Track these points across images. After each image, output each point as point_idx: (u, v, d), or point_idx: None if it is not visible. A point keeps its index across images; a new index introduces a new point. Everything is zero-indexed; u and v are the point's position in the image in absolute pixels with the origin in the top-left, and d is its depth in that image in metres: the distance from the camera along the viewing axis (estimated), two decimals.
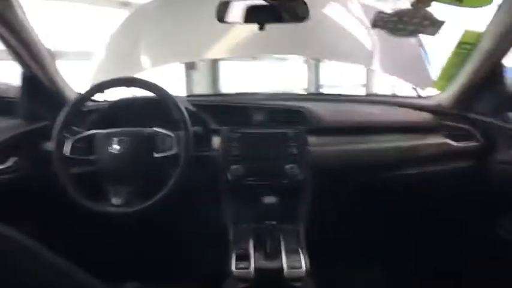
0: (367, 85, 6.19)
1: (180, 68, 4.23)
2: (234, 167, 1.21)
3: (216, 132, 1.29)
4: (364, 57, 1.97)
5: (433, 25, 1.24)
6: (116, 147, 1.10)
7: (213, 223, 1.25)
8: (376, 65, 1.95)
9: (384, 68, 1.94)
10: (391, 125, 1.40)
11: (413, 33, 1.31)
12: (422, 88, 1.79)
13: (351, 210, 1.47)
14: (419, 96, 1.73)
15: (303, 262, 1.06)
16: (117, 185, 1.12)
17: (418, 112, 1.46)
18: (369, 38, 1.91)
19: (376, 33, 1.89)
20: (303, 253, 1.09)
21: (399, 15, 1.24)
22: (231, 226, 1.21)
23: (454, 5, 1.15)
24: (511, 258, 1.28)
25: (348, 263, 1.53)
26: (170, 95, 1.14)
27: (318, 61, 5.51)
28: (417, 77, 1.87)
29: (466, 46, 1.34)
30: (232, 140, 1.26)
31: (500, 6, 1.18)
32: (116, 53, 1.76)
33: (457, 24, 1.36)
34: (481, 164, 1.37)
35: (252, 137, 1.27)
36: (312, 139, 1.29)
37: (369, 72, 6.03)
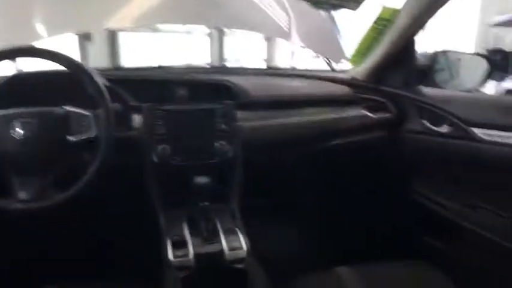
0: (267, 59, 6.34)
1: (73, 40, 3.78)
2: (160, 147, 1.11)
3: (136, 109, 1.16)
4: (276, 29, 1.97)
5: (355, 0, 1.29)
6: (20, 131, 0.92)
7: (142, 210, 1.15)
8: (290, 38, 1.97)
9: (298, 41, 1.97)
10: (313, 98, 1.43)
11: (336, 7, 1.34)
12: (337, 62, 1.86)
13: (280, 184, 1.48)
14: (334, 70, 1.80)
15: (243, 242, 1.02)
16: (24, 176, 0.94)
17: (337, 85, 1.51)
18: (281, 10, 1.91)
19: (289, 5, 1.91)
20: (241, 233, 1.06)
21: None
22: (162, 211, 1.11)
23: None
24: (421, 218, 1.43)
25: (282, 238, 1.56)
26: (83, 66, 0.98)
27: (221, 34, 5.46)
28: (331, 50, 1.94)
29: (382, 22, 1.41)
30: (155, 118, 1.14)
31: None
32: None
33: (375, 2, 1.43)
34: (395, 134, 1.48)
35: (178, 114, 1.17)
36: (240, 114, 1.24)
37: (270, 47, 6.18)
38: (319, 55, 1.95)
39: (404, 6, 1.32)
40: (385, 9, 1.38)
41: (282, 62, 5.82)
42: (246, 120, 1.25)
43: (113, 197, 1.32)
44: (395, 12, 1.37)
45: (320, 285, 1.03)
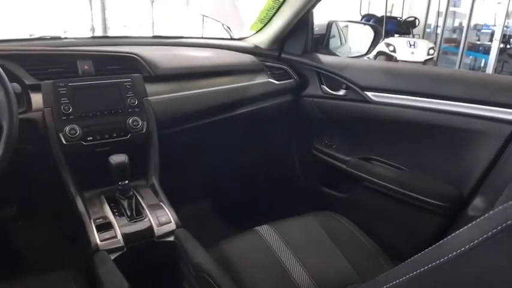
0: (153, 26, 6.10)
1: None
2: (67, 127, 1.02)
3: (34, 88, 1.05)
4: None
5: None
6: None
7: (57, 197, 1.07)
8: (189, 4, 1.95)
9: (200, 9, 1.95)
10: (222, 68, 1.45)
11: None
12: (238, 29, 1.90)
13: (196, 153, 1.50)
14: (236, 39, 1.84)
15: (170, 215, 1.02)
16: None
17: (243, 54, 1.56)
18: None
19: None
20: (166, 207, 1.05)
21: None
22: (79, 196, 1.04)
23: None
24: (325, 173, 1.60)
25: (205, 206, 1.60)
26: None
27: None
28: (231, 18, 1.96)
29: None
30: (59, 96, 1.05)
31: None
32: None
33: None
34: (298, 98, 1.60)
35: (84, 91, 1.09)
36: (150, 87, 1.20)
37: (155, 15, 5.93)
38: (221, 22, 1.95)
39: None
40: None
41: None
42: (157, 93, 1.22)
43: (23, 186, 1.21)
44: None
45: (246, 244, 1.11)
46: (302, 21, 1.53)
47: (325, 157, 1.57)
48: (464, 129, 1.22)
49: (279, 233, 1.12)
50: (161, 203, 1.07)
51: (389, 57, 7.45)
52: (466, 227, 0.42)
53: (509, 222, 0.37)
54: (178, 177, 1.38)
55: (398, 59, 7.51)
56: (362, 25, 1.80)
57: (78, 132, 1.03)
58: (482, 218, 0.40)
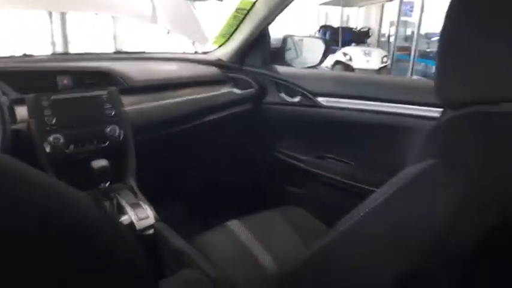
0: (115, 40, 6.13)
1: None
2: (51, 137, 1.11)
3: (19, 102, 1.13)
4: (137, 12, 2.04)
5: None
6: None
7: None
8: (153, 20, 2.07)
9: (162, 24, 2.08)
10: (189, 80, 1.58)
11: None
12: (202, 44, 2.05)
13: (167, 159, 1.62)
14: (200, 53, 1.98)
15: (149, 211, 1.11)
16: None
17: (207, 67, 1.71)
18: None
19: None
20: (144, 205, 1.14)
21: None
22: None
23: None
24: (286, 172, 1.77)
25: (177, 205, 1.70)
26: None
27: (64, 15, 5.04)
28: (194, 33, 2.11)
29: (242, 11, 1.65)
30: (42, 108, 1.14)
31: None
32: None
33: None
34: (258, 106, 1.76)
35: (66, 103, 1.19)
36: (125, 99, 1.31)
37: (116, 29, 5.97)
38: (186, 37, 2.09)
39: (259, 1, 1.58)
40: (244, 1, 1.62)
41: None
42: (132, 104, 1.34)
43: None
44: (252, 3, 1.62)
45: (218, 237, 1.22)
46: (260, 36, 1.70)
47: (286, 158, 1.74)
48: (402, 126, 1.43)
49: (247, 227, 1.24)
50: (140, 202, 1.16)
51: (346, 66, 7.80)
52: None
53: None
54: (153, 179, 1.49)
55: (354, 67, 7.89)
56: (314, 39, 1.98)
57: (61, 141, 1.12)
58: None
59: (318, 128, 1.66)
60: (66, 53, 1.85)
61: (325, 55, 1.83)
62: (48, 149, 1.11)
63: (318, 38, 1.94)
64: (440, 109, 1.18)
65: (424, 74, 9.42)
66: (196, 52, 2.03)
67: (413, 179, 0.61)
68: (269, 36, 1.75)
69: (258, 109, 1.78)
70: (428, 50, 9.41)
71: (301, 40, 1.91)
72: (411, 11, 9.96)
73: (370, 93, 1.50)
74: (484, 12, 0.61)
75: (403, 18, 10.12)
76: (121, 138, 1.24)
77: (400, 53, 10.03)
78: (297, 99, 1.67)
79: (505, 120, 0.60)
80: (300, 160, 1.68)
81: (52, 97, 1.16)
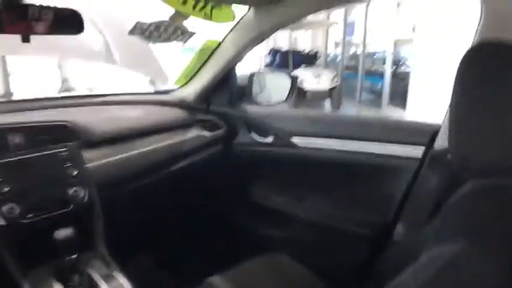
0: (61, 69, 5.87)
1: None
2: (5, 207, 0.96)
3: None
4: (91, 53, 1.93)
5: (185, 34, 1.41)
6: None
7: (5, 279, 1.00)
8: (108, 60, 1.95)
9: (122, 64, 1.97)
10: (155, 126, 1.47)
11: (167, 40, 1.43)
12: (163, 82, 1.95)
13: (141, 211, 1.49)
14: (161, 92, 1.88)
15: (125, 284, 1.01)
16: None
17: (173, 109, 1.60)
18: (97, 33, 1.89)
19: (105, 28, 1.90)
20: (119, 277, 1.03)
21: (157, 25, 1.33)
22: (24, 276, 0.98)
23: (206, 19, 1.35)
24: (263, 216, 1.68)
25: (155, 263, 1.57)
26: None
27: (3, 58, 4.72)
28: (153, 71, 2.01)
29: (206, 51, 1.58)
30: None
31: (236, 24, 1.47)
32: None
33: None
34: (229, 148, 1.68)
35: (19, 166, 1.04)
36: (87, 154, 1.18)
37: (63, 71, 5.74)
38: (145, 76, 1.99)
39: (226, 40, 1.52)
40: (208, 41, 1.55)
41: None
42: (94, 159, 1.21)
43: None
44: (218, 43, 1.55)
45: None
46: (227, 75, 1.63)
47: (263, 201, 1.66)
48: (380, 165, 1.41)
49: (231, 283, 1.15)
50: (114, 273, 1.05)
51: (299, 89, 7.93)
52: None
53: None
54: (124, 238, 1.35)
55: (306, 89, 8.05)
56: (280, 75, 1.94)
57: (17, 211, 0.97)
58: None
59: (294, 168, 1.61)
60: (10, 101, 1.66)
61: (291, 91, 1.78)
62: (1, 222, 0.95)
63: (284, 73, 1.91)
64: (417, 146, 1.18)
65: (371, 91, 9.84)
66: (157, 91, 1.92)
67: (445, 266, 0.56)
68: (235, 74, 1.68)
69: (229, 151, 1.70)
70: (372, 69, 9.86)
71: (267, 76, 1.87)
72: (352, 32, 10.43)
73: (345, 133, 1.49)
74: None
75: (346, 38, 10.57)
76: (85, 200, 1.10)
77: (347, 71, 10.43)
78: (269, 139, 1.61)
79: None
80: (277, 202, 1.61)
81: (1, 161, 1.01)
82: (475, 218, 0.62)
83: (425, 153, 1.31)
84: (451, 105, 0.69)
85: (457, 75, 0.69)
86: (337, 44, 11.41)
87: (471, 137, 0.66)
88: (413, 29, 7.57)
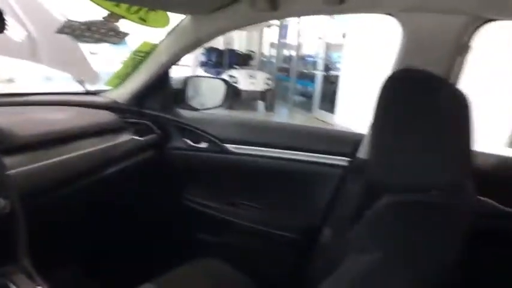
0: None
1: None
2: None
3: None
4: (17, 49, 1.80)
5: (118, 35, 1.37)
6: None
7: None
8: (34, 58, 1.83)
9: (45, 61, 1.85)
10: (83, 130, 1.39)
11: (99, 41, 1.39)
12: (92, 83, 1.86)
13: (69, 219, 1.41)
14: (91, 92, 1.80)
15: None
16: None
17: (103, 111, 1.54)
18: (22, 30, 1.76)
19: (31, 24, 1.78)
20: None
21: (88, 25, 1.28)
22: None
23: (140, 23, 1.32)
24: (196, 221, 1.69)
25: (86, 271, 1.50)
26: None
27: None
28: (83, 71, 1.92)
29: (141, 54, 1.54)
30: None
31: (174, 28, 1.46)
32: None
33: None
34: (162, 153, 1.65)
35: None
36: (9, 160, 1.08)
37: None
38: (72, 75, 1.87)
39: (163, 44, 1.50)
40: (144, 43, 1.52)
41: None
42: (16, 166, 1.11)
43: None
44: (152, 46, 1.52)
45: None
46: (161, 78, 1.61)
47: (196, 206, 1.66)
48: (309, 172, 1.49)
49: None
50: (37, 287, 0.98)
51: (234, 89, 7.99)
52: None
53: None
54: (51, 247, 1.28)
55: (241, 88, 8.13)
56: (216, 80, 1.96)
57: None
58: None
59: (227, 174, 1.63)
60: None
61: (226, 96, 1.80)
62: None
63: (219, 78, 1.94)
64: (342, 157, 1.28)
65: (303, 94, 10.17)
66: (87, 92, 1.82)
67: (361, 274, 0.62)
68: (169, 78, 1.66)
69: (162, 156, 1.67)
70: (305, 71, 10.20)
71: (202, 80, 1.87)
72: (285, 35, 10.69)
73: (277, 141, 1.54)
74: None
75: (281, 41, 10.81)
76: (7, 210, 1.01)
77: (280, 73, 10.68)
78: (203, 145, 1.61)
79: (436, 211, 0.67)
80: (211, 208, 1.62)
81: None
82: (390, 230, 0.68)
83: (350, 162, 1.40)
84: (372, 124, 0.76)
85: (378, 97, 0.76)
86: (272, 45, 11.63)
87: (387, 155, 0.74)
88: (344, 35, 7.94)
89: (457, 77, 1.16)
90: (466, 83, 1.05)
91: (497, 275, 1.22)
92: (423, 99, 0.72)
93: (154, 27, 1.35)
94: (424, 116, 0.71)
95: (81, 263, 1.55)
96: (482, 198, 1.16)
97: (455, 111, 0.71)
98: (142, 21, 1.32)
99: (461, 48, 1.12)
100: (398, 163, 0.71)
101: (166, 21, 1.39)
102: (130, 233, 1.66)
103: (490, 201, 1.19)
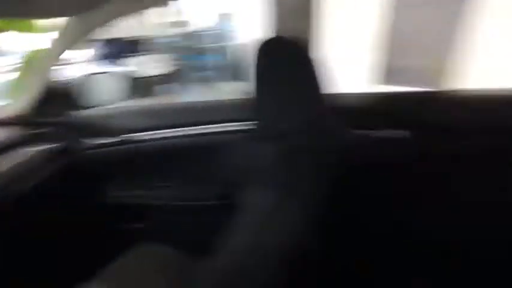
0: None
1: None
2: None
3: None
4: None
5: None
6: None
7: None
8: None
9: None
10: None
11: None
12: None
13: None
14: None
15: None
16: None
17: (7, 128, 1.51)
18: None
19: None
20: None
21: None
22: None
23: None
24: (128, 211, 1.77)
25: None
26: None
27: None
28: None
29: (32, 62, 1.53)
30: None
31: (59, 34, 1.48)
32: None
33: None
34: (72, 156, 1.66)
35: None
36: None
37: None
38: None
39: (46, 48, 1.50)
40: (31, 52, 1.50)
41: None
42: None
43: None
44: (37, 52, 1.51)
45: None
46: (57, 82, 1.60)
47: (119, 199, 1.75)
48: (215, 142, 1.65)
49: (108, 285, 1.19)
50: None
51: (138, 79, 7.78)
52: None
53: None
54: None
55: (144, 75, 7.94)
56: (114, 75, 1.97)
57: None
58: None
59: (142, 160, 1.71)
60: None
61: (127, 89, 1.84)
62: None
63: (118, 73, 1.94)
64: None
65: (209, 68, 10.17)
66: None
67: (271, 210, 0.79)
68: (66, 80, 1.66)
69: (75, 159, 1.68)
70: (206, 46, 10.16)
71: (99, 77, 1.88)
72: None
73: (182, 120, 1.67)
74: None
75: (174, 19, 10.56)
76: None
77: (182, 53, 10.50)
78: (112, 139, 1.67)
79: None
80: (133, 196, 1.70)
81: None
82: (283, 173, 0.88)
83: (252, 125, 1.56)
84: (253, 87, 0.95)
85: (254, 62, 0.94)
86: (173, 25, 11.30)
87: (268, 111, 0.92)
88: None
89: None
90: None
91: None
92: (291, 64, 0.91)
93: (20, 31, 1.35)
94: (285, 75, 0.90)
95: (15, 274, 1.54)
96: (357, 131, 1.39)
97: (304, 67, 0.90)
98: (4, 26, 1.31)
99: None
100: (272, 114, 0.91)
101: (31, 26, 1.39)
102: (63, 240, 1.68)
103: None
